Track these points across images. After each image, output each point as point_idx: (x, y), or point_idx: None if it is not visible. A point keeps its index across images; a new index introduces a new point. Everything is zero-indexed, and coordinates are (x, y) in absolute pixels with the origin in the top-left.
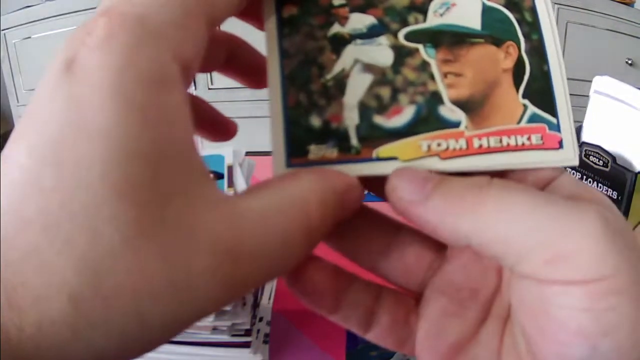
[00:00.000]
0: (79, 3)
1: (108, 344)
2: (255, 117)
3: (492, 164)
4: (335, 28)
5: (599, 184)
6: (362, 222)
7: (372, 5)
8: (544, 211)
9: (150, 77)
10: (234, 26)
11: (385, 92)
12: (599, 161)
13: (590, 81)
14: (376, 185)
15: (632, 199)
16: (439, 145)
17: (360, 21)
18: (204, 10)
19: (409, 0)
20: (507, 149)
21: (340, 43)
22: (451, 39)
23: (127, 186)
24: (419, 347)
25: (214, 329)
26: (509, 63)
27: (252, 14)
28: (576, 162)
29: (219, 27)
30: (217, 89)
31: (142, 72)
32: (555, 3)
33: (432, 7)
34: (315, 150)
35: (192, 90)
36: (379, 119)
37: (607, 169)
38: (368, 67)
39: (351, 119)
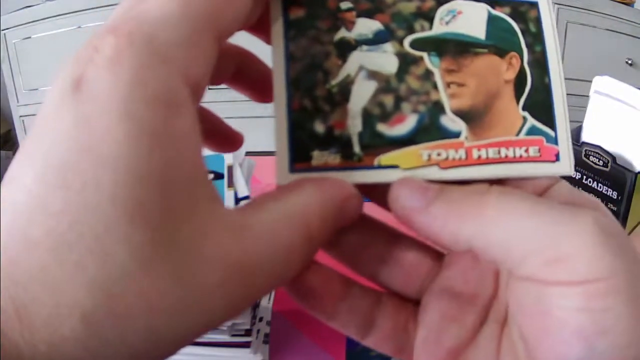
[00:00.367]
0: (79, 3)
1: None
2: (256, 117)
3: (489, 174)
4: (342, 33)
5: (599, 184)
6: (360, 230)
7: (379, 11)
8: (542, 215)
9: (159, 100)
10: (241, 35)
11: (388, 100)
12: (599, 161)
13: (590, 81)
14: (376, 193)
15: (632, 199)
16: (439, 155)
17: (366, 26)
18: (213, 26)
19: (416, 7)
20: (505, 160)
21: (346, 48)
22: (455, 48)
23: (137, 209)
24: (417, 353)
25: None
26: (511, 74)
27: (260, 27)
28: (572, 173)
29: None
30: (218, 89)
31: (151, 94)
32: (555, 3)
33: (438, 14)
34: (318, 156)
35: None
36: (381, 127)
37: (607, 169)
38: (373, 74)
39: (354, 126)
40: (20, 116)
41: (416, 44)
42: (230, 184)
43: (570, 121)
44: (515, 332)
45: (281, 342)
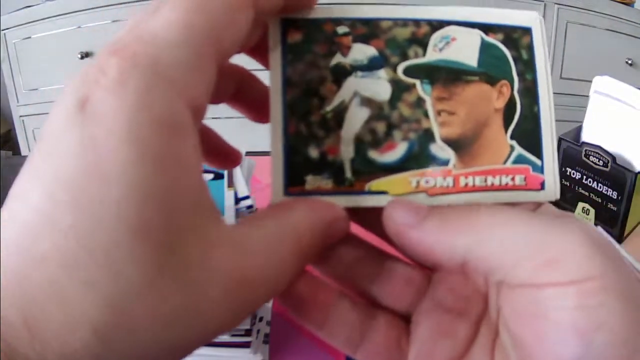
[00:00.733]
0: (79, 3)
1: None
2: None
3: (475, 201)
4: (338, 58)
5: (599, 184)
6: (351, 249)
7: (374, 36)
8: (532, 224)
9: (163, 123)
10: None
11: (380, 127)
12: (599, 161)
13: (590, 81)
14: (365, 217)
15: (632, 199)
16: (427, 182)
17: (362, 52)
18: (214, 48)
19: (411, 32)
20: (491, 188)
21: (341, 74)
22: (447, 76)
23: (143, 226)
24: None
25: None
26: (501, 103)
27: (258, 50)
28: (557, 197)
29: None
30: None
31: (156, 117)
32: (555, 3)
33: (432, 40)
34: (311, 181)
35: None
36: (372, 154)
37: (607, 169)
38: (366, 101)
39: (347, 152)
40: (20, 116)
41: (409, 71)
42: (230, 184)
43: (570, 121)
44: (507, 342)
45: (281, 342)
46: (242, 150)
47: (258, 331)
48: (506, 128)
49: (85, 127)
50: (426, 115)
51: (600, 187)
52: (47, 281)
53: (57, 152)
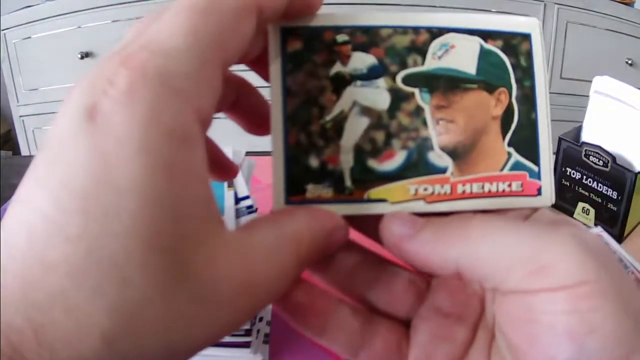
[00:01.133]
0: (79, 3)
1: None
2: None
3: (473, 207)
4: (337, 67)
5: (599, 184)
6: (349, 257)
7: (374, 44)
8: (523, 231)
9: (174, 134)
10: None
11: (379, 136)
12: (599, 161)
13: (590, 81)
14: (365, 224)
15: (632, 199)
16: (425, 190)
17: (361, 61)
18: (219, 56)
19: (410, 40)
20: (488, 195)
21: (340, 84)
22: (446, 84)
23: (155, 237)
24: None
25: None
26: (499, 110)
27: (260, 61)
28: (552, 202)
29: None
30: None
31: (166, 128)
32: (555, 3)
33: (431, 48)
34: (312, 190)
35: None
36: (372, 163)
37: (607, 169)
38: (365, 110)
39: (347, 161)
40: (20, 116)
41: (408, 80)
42: (230, 184)
43: (570, 121)
44: (503, 345)
45: (281, 342)
46: (242, 150)
47: (258, 331)
48: (504, 135)
49: (94, 137)
50: (425, 123)
51: (600, 187)
52: (55, 289)
53: (64, 160)
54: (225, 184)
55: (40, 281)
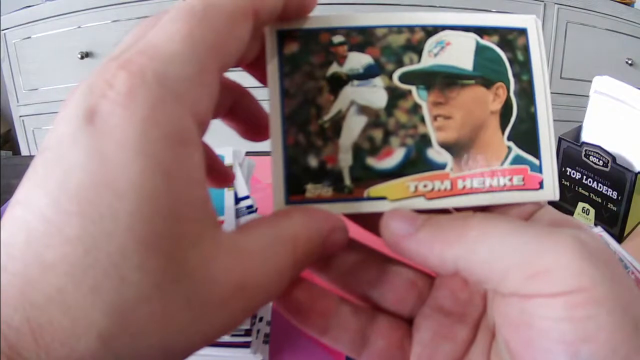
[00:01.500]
0: (79, 3)
1: None
2: None
3: (474, 202)
4: (334, 68)
5: (599, 184)
6: (352, 255)
7: (370, 44)
8: (522, 234)
9: (172, 138)
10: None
11: (377, 134)
12: (599, 161)
13: (590, 81)
14: (368, 221)
15: (632, 199)
16: (425, 186)
17: (357, 61)
18: (217, 60)
19: (406, 39)
20: (489, 189)
21: (337, 84)
22: (443, 81)
23: (152, 238)
24: None
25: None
26: (497, 105)
27: (256, 65)
28: (556, 198)
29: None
30: None
31: (164, 132)
32: (555, 3)
33: (427, 46)
34: (311, 189)
35: None
36: (370, 161)
37: (607, 169)
38: (363, 109)
39: (345, 160)
40: (20, 116)
41: (405, 78)
42: (231, 184)
43: (570, 121)
44: (502, 346)
45: (281, 342)
46: (242, 150)
47: (258, 331)
48: (503, 130)
49: (93, 140)
50: (422, 120)
51: (600, 187)
52: (53, 289)
53: (62, 161)
54: None
55: (38, 281)
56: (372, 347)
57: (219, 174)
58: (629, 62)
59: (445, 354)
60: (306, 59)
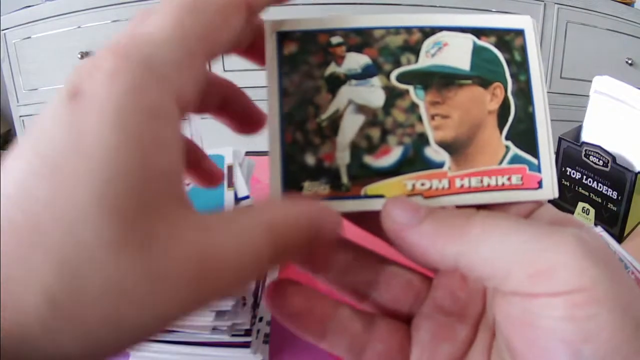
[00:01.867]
0: (79, 3)
1: (79, 345)
2: None
3: (472, 201)
4: (332, 68)
5: (599, 184)
6: (349, 256)
7: (367, 45)
8: (525, 233)
9: (148, 112)
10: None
11: (375, 133)
12: (599, 161)
13: (590, 81)
14: (363, 219)
15: (632, 199)
16: (422, 185)
17: (355, 61)
18: (205, 49)
19: (403, 40)
20: (488, 189)
21: (335, 83)
22: (440, 81)
23: (113, 202)
24: None
25: (214, 329)
26: (495, 105)
27: (253, 51)
28: (555, 197)
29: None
30: None
31: (142, 106)
32: (555, 3)
33: (424, 46)
34: (309, 187)
35: None
36: (368, 159)
37: (607, 169)
38: (360, 108)
39: (343, 158)
40: (20, 116)
41: (402, 78)
42: (230, 184)
43: (570, 121)
44: (502, 345)
45: (281, 342)
46: (242, 150)
47: (258, 331)
48: (501, 129)
49: (73, 114)
50: (420, 119)
51: (600, 187)
52: (16, 248)
53: (43, 135)
54: (225, 184)
55: (5, 242)
56: (371, 351)
57: (206, 172)
58: (629, 62)
59: (445, 354)
60: (305, 59)
